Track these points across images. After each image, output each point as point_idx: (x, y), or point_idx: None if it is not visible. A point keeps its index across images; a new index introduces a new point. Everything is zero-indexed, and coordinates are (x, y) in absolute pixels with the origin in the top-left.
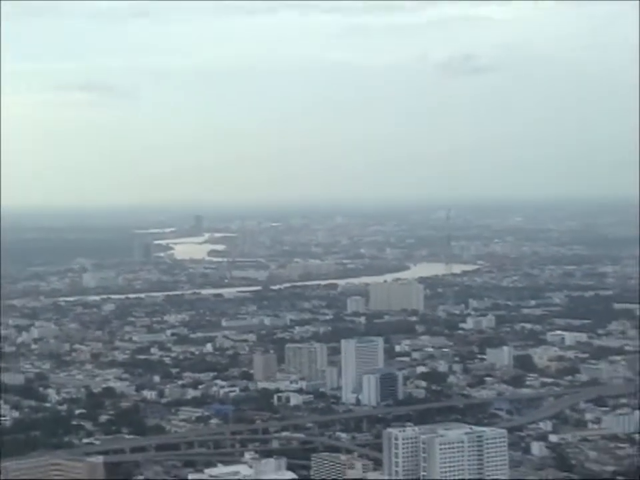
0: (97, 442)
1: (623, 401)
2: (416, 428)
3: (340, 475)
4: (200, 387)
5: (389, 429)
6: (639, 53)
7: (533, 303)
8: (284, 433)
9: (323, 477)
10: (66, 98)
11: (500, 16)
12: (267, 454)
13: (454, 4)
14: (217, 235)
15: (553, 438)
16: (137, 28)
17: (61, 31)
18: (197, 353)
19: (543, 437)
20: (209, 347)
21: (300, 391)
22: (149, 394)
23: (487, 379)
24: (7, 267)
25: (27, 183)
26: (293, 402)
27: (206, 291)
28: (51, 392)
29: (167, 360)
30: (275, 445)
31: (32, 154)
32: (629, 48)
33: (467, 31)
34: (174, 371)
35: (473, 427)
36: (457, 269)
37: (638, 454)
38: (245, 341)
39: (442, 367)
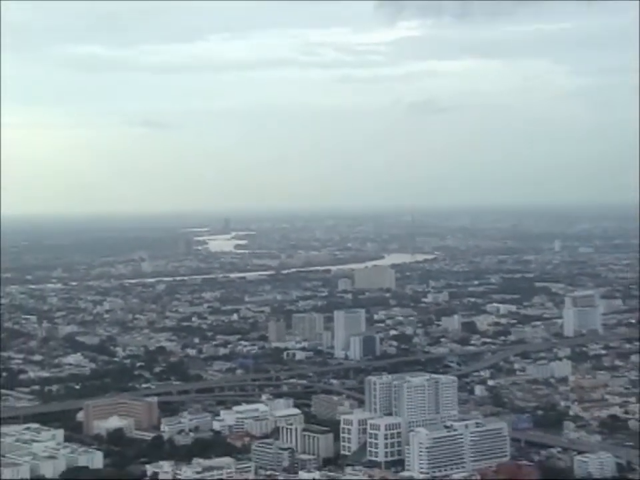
0: (152, 387)
1: (542, 354)
2: (389, 376)
3: (333, 411)
4: (228, 346)
5: (369, 377)
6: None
7: (475, 282)
8: (291, 380)
9: (320, 412)
10: (130, 131)
11: (455, 70)
12: (279, 395)
13: (421, 60)
14: (241, 233)
15: (491, 382)
16: (180, 78)
17: (124, 81)
18: (226, 320)
19: (483, 382)
20: (235, 317)
21: (303, 349)
22: (191, 351)
23: (442, 339)
24: (85, 257)
25: (98, 195)
26: (297, 357)
27: (233, 275)
28: (119, 350)
29: (204, 326)
30: (284, 388)
31: (103, 174)
32: (551, 95)
33: (430, 80)
34: (209, 334)
35: (432, 375)
36: (420, 257)
37: (552, 393)
38: (262, 312)
39: (408, 330)
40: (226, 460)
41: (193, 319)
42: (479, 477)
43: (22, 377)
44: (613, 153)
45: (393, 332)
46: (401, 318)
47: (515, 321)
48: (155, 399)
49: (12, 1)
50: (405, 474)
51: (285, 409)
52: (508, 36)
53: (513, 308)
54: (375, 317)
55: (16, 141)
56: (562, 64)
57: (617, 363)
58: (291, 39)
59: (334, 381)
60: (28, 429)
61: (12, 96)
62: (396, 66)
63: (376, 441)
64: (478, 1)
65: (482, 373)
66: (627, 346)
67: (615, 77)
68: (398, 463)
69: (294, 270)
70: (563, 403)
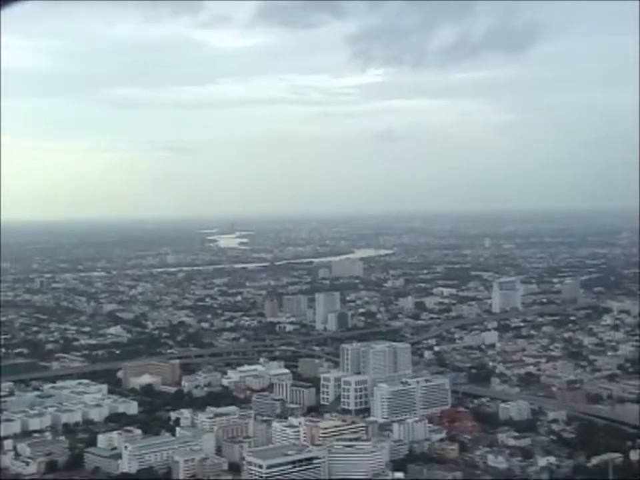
0: (175, 352)
1: (475, 326)
2: (358, 343)
3: (315, 371)
4: (234, 320)
5: (343, 344)
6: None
7: (425, 271)
8: (282, 347)
9: (305, 372)
10: (157, 155)
11: (409, 107)
12: (273, 358)
13: (383, 99)
14: (243, 233)
15: (436, 348)
16: (197, 113)
17: (152, 116)
18: (232, 301)
19: (430, 348)
20: (239, 297)
21: (291, 323)
22: (205, 324)
23: (399, 315)
24: (122, 251)
25: (131, 203)
26: (287, 329)
27: (237, 265)
28: (149, 323)
29: (215, 305)
30: (277, 353)
31: (135, 186)
32: (482, 127)
33: (390, 115)
34: (219, 311)
35: (391, 342)
36: (382, 252)
37: (482, 356)
38: (260, 294)
39: (373, 308)
40: (232, 408)
41: (207, 299)
42: (427, 420)
43: (75, 343)
44: (528, 170)
45: (361, 310)
46: (367, 299)
47: (455, 301)
48: (177, 361)
49: (69, 55)
50: (370, 419)
51: (277, 369)
52: (452, 81)
53: (454, 291)
54: (347, 298)
55: (66, 162)
56: (492, 104)
57: (532, 332)
58: (283, 83)
59: (315, 348)
60: (80, 383)
61: (65, 129)
62: (364, 104)
63: (348, 394)
64: (430, 54)
65: (429, 341)
66: (540, 319)
67: (532, 113)
68: (365, 411)
69: (284, 262)
70: (490, 364)
